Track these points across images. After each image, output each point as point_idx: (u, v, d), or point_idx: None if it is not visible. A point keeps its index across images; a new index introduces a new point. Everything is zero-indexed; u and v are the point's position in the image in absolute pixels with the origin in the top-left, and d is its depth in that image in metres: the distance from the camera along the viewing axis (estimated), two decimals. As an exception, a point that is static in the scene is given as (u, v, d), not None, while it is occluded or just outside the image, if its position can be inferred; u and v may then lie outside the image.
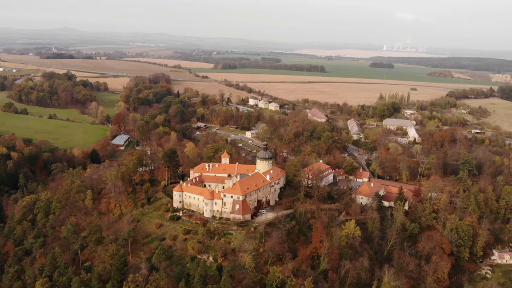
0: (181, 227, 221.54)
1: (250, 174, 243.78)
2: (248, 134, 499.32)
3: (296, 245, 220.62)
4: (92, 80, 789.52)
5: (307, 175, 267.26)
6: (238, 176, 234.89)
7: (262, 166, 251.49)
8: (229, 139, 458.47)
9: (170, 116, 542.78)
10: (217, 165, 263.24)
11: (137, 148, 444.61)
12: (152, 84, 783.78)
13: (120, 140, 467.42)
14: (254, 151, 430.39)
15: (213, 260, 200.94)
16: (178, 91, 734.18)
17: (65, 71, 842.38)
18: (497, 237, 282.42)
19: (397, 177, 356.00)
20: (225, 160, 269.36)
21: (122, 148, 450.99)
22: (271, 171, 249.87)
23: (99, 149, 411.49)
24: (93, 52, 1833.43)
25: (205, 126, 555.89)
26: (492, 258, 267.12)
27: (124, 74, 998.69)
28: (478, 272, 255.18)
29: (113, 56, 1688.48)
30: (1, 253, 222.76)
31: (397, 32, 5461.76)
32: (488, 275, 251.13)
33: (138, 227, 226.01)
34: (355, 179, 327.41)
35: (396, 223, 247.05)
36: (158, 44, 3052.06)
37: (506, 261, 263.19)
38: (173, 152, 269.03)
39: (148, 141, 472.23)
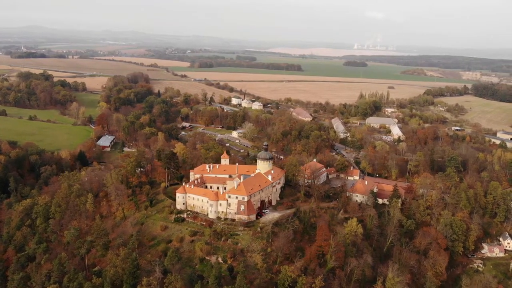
0: (186, 228, 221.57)
1: (252, 175, 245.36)
2: (234, 134, 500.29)
3: (301, 244, 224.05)
4: (69, 80, 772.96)
5: (306, 175, 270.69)
6: (242, 177, 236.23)
7: (263, 166, 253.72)
8: (216, 139, 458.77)
9: (155, 116, 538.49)
10: (217, 166, 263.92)
11: (127, 149, 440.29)
12: (131, 84, 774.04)
13: (106, 141, 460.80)
14: (242, 150, 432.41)
15: (222, 261, 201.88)
16: (159, 91, 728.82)
17: (41, 71, 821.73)
18: (486, 231, 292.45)
19: (386, 175, 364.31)
20: (225, 161, 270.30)
21: (108, 149, 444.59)
22: (272, 171, 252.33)
23: (85, 150, 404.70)
24: (64, 51, 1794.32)
25: (190, 126, 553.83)
26: (483, 251, 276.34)
27: (101, 73, 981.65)
28: (471, 266, 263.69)
29: (85, 55, 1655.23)
30: (2, 260, 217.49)
31: (367, 31, 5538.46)
32: (480, 268, 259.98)
33: (142, 230, 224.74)
34: (347, 177, 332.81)
35: (394, 220, 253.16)
36: (130, 42, 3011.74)
37: (496, 254, 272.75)
38: (173, 153, 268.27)
39: (134, 142, 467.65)
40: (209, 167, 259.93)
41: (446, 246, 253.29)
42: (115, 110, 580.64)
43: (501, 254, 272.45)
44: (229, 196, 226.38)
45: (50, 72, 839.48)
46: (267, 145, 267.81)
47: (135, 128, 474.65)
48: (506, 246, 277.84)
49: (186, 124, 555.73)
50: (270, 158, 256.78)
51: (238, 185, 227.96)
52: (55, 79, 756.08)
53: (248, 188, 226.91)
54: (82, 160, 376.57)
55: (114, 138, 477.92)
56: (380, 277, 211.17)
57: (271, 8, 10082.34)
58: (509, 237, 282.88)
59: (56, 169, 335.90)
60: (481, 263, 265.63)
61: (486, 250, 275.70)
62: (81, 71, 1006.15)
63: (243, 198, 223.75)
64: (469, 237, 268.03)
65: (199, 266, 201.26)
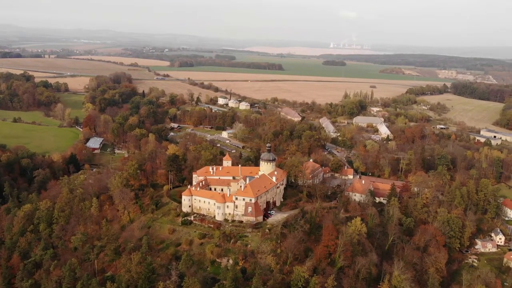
0: (195, 231, 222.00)
1: (257, 176, 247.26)
2: (224, 134, 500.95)
3: (307, 244, 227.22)
4: (50, 81, 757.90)
5: (307, 175, 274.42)
6: (247, 179, 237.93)
7: (266, 167, 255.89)
8: (207, 139, 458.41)
9: (143, 117, 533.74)
10: (220, 168, 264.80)
11: (118, 151, 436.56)
12: (115, 84, 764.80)
13: (95, 143, 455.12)
14: (234, 151, 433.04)
15: (233, 263, 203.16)
16: (143, 91, 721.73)
17: (21, 72, 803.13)
18: (478, 228, 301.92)
19: (379, 174, 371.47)
20: (227, 162, 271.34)
21: (97, 151, 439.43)
22: (275, 173, 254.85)
23: (76, 153, 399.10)
24: (39, 50, 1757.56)
25: (178, 126, 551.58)
26: (476, 247, 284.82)
27: (82, 73, 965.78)
28: (466, 261, 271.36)
29: (62, 54, 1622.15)
30: (8, 267, 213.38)
31: (342, 30, 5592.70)
32: (475, 264, 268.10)
33: (150, 234, 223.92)
34: (341, 176, 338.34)
35: (393, 218, 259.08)
36: (104, 41, 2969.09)
37: (489, 249, 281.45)
38: (176, 156, 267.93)
39: (123, 144, 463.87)
40: (212, 169, 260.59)
41: (444, 242, 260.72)
42: (100, 111, 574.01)
43: (494, 249, 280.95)
44: (236, 198, 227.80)
45: (30, 73, 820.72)
46: (270, 147, 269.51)
47: (124, 130, 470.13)
48: (498, 242, 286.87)
49: (175, 125, 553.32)
50: (274, 160, 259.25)
51: (245, 187, 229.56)
52: (36, 80, 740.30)
53: (255, 190, 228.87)
54: (74, 163, 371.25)
55: (103, 140, 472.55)
56: (387, 275, 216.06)
57: (245, 6, 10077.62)
58: (500, 233, 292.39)
59: (50, 173, 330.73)
60: (476, 259, 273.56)
61: (480, 245, 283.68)
62: (60, 71, 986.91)
63: (251, 200, 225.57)
64: (465, 234, 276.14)
65: (210, 269, 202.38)
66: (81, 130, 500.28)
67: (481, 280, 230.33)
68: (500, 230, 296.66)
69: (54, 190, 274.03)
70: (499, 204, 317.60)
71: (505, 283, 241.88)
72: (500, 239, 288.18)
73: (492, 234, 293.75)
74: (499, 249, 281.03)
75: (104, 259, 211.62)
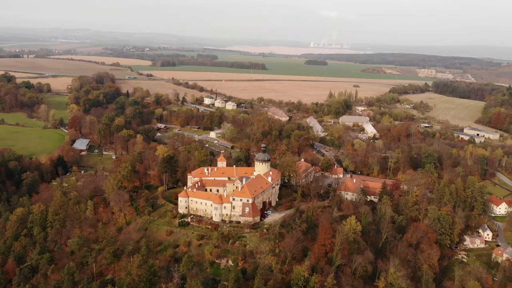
0: (192, 232, 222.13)
1: (253, 177, 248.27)
2: (212, 134, 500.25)
3: (304, 243, 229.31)
4: (31, 81, 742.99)
5: (300, 175, 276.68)
6: (244, 180, 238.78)
7: (261, 168, 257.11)
8: (196, 140, 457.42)
9: (129, 117, 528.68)
10: (215, 168, 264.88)
11: (106, 153, 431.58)
12: (98, 85, 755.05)
13: (82, 144, 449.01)
14: (223, 151, 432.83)
15: (233, 264, 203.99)
16: (127, 91, 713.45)
17: (2, 72, 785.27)
18: (466, 224, 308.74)
19: (367, 172, 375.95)
20: (222, 163, 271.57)
21: (84, 153, 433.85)
22: (271, 173, 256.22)
23: (63, 155, 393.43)
24: (17, 50, 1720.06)
25: (165, 127, 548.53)
26: (465, 243, 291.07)
27: (63, 74, 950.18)
28: (456, 257, 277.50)
29: (41, 54, 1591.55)
30: (3, 272, 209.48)
31: (322, 29, 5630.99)
32: (464, 259, 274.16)
33: (147, 236, 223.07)
34: (331, 175, 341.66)
35: (386, 216, 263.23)
36: (83, 40, 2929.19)
37: (477, 245, 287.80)
38: (171, 157, 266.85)
39: (110, 145, 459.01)
40: (208, 170, 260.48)
41: (436, 239, 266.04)
42: (85, 112, 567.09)
43: (482, 245, 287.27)
44: (234, 199, 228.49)
45: (10, 73, 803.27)
46: (265, 147, 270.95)
47: (111, 131, 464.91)
48: (486, 237, 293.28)
49: (161, 125, 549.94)
50: (269, 160, 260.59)
51: (242, 187, 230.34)
52: (17, 80, 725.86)
53: (251, 190, 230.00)
54: (62, 165, 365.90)
55: (89, 141, 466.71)
56: (383, 272, 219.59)
57: (224, 5, 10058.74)
58: (488, 229, 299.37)
59: (39, 175, 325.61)
60: (465, 255, 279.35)
61: (468, 242, 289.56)
62: (41, 71, 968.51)
63: (248, 201, 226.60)
64: (455, 230, 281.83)
65: (210, 270, 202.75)
66: (67, 131, 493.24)
67: (473, 276, 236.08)
68: (487, 226, 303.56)
69: (46, 193, 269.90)
70: (485, 200, 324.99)
71: (494, 278, 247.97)
72: (487, 235, 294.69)
73: (480, 230, 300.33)
74: (487, 245, 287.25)
75: (101, 262, 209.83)
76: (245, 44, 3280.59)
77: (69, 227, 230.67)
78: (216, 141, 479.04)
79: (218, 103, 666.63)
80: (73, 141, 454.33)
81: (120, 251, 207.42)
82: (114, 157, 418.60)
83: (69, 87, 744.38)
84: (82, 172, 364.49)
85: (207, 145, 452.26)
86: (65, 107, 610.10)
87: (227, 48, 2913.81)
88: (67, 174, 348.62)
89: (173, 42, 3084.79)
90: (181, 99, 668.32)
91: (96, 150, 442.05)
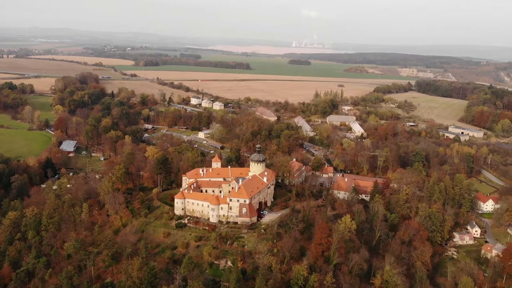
0: (190, 234, 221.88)
1: (249, 177, 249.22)
2: (201, 135, 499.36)
3: (301, 242, 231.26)
4: (13, 82, 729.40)
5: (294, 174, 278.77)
6: (240, 180, 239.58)
7: (257, 168, 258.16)
8: (185, 140, 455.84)
9: (116, 118, 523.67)
10: (210, 169, 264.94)
11: (94, 154, 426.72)
12: (82, 85, 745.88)
13: (69, 146, 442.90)
14: (212, 152, 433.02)
15: (232, 264, 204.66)
16: (112, 92, 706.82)
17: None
18: (455, 221, 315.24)
19: (357, 171, 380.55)
20: (217, 164, 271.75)
21: (72, 154, 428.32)
22: (266, 173, 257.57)
23: (51, 157, 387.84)
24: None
25: (152, 128, 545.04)
26: (455, 240, 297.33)
27: (46, 74, 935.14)
28: (446, 254, 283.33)
29: (21, 54, 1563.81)
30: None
31: (303, 29, 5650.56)
32: (454, 256, 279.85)
33: (144, 238, 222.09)
34: (322, 174, 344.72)
35: (379, 214, 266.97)
36: (63, 39, 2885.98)
37: (466, 242, 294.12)
38: (166, 158, 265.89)
39: (98, 146, 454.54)
40: (203, 171, 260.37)
41: (427, 237, 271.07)
42: (70, 113, 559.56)
43: (471, 242, 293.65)
44: (231, 200, 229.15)
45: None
46: (260, 147, 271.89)
47: (98, 132, 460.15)
48: (474, 234, 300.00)
49: (149, 126, 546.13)
50: (263, 160, 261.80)
51: (239, 188, 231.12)
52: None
53: (248, 191, 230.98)
54: (51, 167, 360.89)
55: (76, 143, 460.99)
56: (378, 270, 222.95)
57: (204, 5, 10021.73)
58: (476, 225, 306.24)
59: (28, 178, 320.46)
60: (455, 251, 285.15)
61: (458, 238, 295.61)
62: (22, 72, 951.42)
63: (245, 201, 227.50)
64: (445, 227, 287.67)
65: (209, 271, 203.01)
66: (53, 133, 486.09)
67: (465, 272, 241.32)
68: (476, 223, 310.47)
69: (37, 196, 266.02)
70: (473, 198, 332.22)
71: (485, 274, 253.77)
72: (476, 231, 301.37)
73: (468, 227, 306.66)
74: (475, 241, 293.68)
75: (99, 265, 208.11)
76: (227, 44, 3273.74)
77: (65, 230, 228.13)
78: (205, 142, 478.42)
79: (205, 103, 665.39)
80: (60, 143, 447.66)
81: (118, 253, 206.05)
82: (102, 159, 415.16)
83: (53, 87, 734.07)
84: (71, 174, 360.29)
85: (196, 146, 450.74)
86: (50, 108, 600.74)
87: (209, 47, 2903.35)
88: (56, 177, 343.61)
89: (154, 42, 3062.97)
90: (167, 99, 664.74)
91: (84, 152, 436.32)
